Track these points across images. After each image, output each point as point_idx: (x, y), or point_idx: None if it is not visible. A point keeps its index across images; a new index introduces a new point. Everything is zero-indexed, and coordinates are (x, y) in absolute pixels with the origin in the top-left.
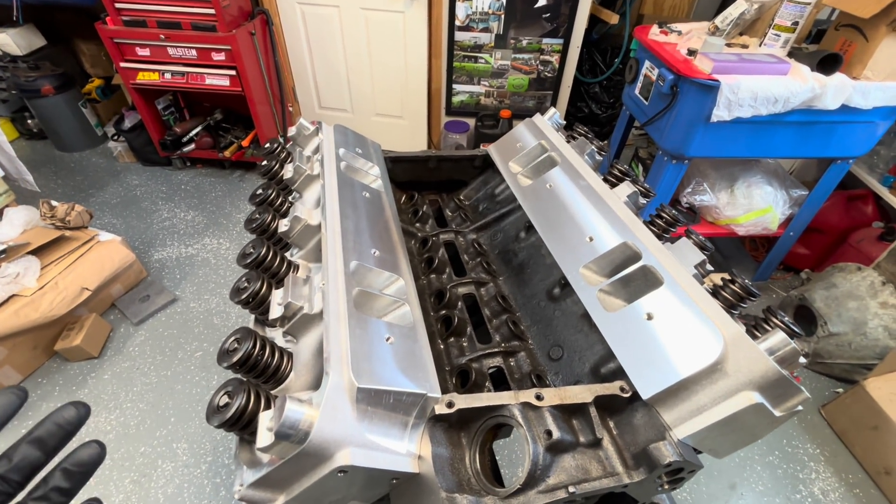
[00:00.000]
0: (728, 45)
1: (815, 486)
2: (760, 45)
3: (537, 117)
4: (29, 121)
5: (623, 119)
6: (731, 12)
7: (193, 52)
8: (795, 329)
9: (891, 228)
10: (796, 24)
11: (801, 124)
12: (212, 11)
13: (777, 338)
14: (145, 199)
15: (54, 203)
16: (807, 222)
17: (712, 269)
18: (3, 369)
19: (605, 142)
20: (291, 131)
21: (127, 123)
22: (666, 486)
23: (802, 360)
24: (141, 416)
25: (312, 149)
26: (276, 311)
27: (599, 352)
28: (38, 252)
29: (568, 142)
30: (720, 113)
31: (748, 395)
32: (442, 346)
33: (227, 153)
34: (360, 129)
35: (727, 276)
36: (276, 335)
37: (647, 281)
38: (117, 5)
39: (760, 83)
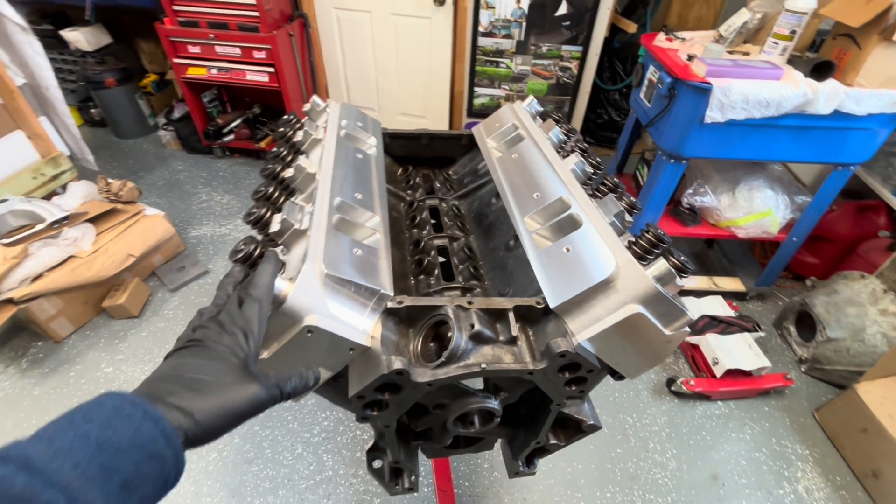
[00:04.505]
0: (730, 52)
1: (799, 484)
2: (760, 53)
3: (516, 103)
4: (92, 110)
5: (630, 121)
6: (735, 21)
7: (238, 50)
8: (683, 260)
9: None
10: (794, 32)
11: (795, 128)
12: (256, 14)
13: (659, 263)
14: (187, 182)
15: (110, 180)
16: (810, 228)
17: (630, 218)
18: (59, 320)
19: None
20: (306, 107)
21: (176, 114)
22: (573, 388)
23: (680, 281)
24: None
25: (322, 121)
26: (275, 226)
27: (537, 287)
28: (93, 221)
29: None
30: (713, 114)
31: (633, 307)
32: (413, 282)
33: (262, 144)
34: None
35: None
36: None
37: (572, 225)
38: (174, 7)
39: (752, 87)
